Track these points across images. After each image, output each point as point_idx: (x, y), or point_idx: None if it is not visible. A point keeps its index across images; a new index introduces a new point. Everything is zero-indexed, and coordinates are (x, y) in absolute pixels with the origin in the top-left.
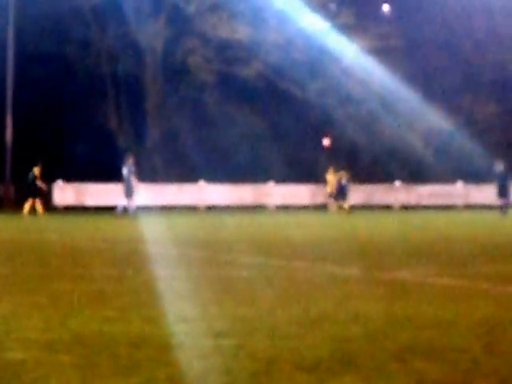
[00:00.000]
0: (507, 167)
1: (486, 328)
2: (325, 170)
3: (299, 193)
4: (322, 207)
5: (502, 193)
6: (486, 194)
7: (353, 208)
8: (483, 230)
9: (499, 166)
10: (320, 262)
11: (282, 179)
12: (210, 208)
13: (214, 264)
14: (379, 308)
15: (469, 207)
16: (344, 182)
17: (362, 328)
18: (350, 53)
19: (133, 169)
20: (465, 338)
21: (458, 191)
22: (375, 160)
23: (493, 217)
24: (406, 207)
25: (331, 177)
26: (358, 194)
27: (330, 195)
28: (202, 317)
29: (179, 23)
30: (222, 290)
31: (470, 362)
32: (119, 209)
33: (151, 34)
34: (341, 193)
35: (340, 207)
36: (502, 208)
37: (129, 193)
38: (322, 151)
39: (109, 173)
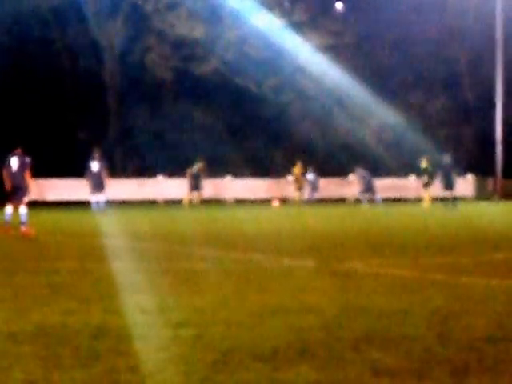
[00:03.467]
0: (453, 160)
1: (438, 317)
2: (280, 165)
3: (256, 187)
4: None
5: (448, 185)
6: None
7: (308, 202)
8: (435, 222)
9: (446, 159)
10: (276, 255)
11: (239, 173)
12: (169, 202)
13: (172, 257)
14: (334, 298)
15: (421, 200)
16: (312, 176)
17: (318, 318)
18: (304, 50)
19: (104, 164)
20: (418, 328)
21: (411, 185)
22: (329, 154)
23: (444, 209)
24: (359, 200)
25: (298, 171)
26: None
27: (299, 188)
28: (160, 308)
29: (137, 21)
30: (180, 282)
31: (423, 350)
32: (95, 204)
33: (110, 32)
34: (312, 187)
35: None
36: (450, 200)
37: (99, 188)
38: (278, 146)
39: (70, 168)
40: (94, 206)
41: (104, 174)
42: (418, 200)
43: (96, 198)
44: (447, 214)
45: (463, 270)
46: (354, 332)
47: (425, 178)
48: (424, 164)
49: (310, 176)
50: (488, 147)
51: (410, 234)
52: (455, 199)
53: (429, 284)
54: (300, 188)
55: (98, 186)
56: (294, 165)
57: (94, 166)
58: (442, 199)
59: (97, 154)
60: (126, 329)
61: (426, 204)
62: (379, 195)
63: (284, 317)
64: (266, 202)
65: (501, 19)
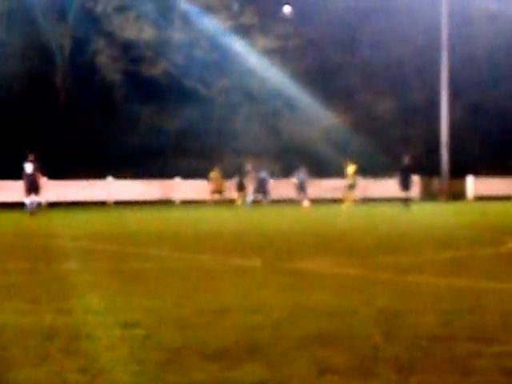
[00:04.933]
0: (413, 162)
1: (385, 316)
2: (229, 166)
3: (205, 188)
4: (227, 202)
5: (405, 186)
6: (385, 187)
7: (256, 203)
8: (383, 223)
9: (405, 160)
10: (225, 254)
11: (188, 175)
12: (119, 203)
13: (122, 257)
14: (283, 298)
15: (367, 200)
16: (264, 176)
17: (267, 317)
18: (252, 52)
19: (37, 165)
20: (365, 326)
21: (358, 185)
22: (278, 155)
23: (393, 210)
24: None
25: (216, 175)
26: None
27: (214, 192)
28: (110, 308)
29: (87, 24)
30: (130, 282)
31: (369, 348)
32: (30, 205)
33: (60, 35)
34: (261, 187)
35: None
36: (405, 201)
37: (32, 189)
38: (226, 147)
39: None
40: (28, 207)
41: (39, 176)
42: (365, 200)
43: (30, 199)
44: (404, 214)
45: (410, 270)
46: (302, 331)
47: (349, 181)
48: (351, 169)
49: (262, 176)
50: (434, 148)
51: (359, 233)
52: (409, 200)
53: (376, 283)
54: (219, 191)
55: (33, 188)
56: (212, 170)
57: (28, 167)
58: (400, 200)
59: (31, 156)
60: (77, 329)
61: (344, 206)
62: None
63: (233, 316)
64: (216, 203)
65: (446, 22)
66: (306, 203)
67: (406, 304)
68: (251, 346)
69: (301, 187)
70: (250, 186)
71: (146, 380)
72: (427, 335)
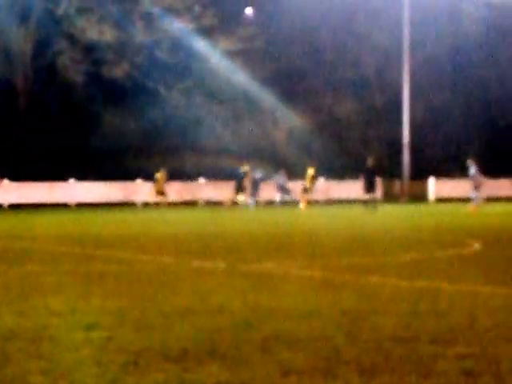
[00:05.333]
0: (378, 164)
1: (347, 317)
2: (191, 167)
3: (168, 190)
4: (190, 204)
5: (370, 188)
6: (348, 189)
7: (220, 204)
8: (346, 224)
9: (370, 162)
10: (186, 256)
11: (150, 176)
12: (80, 205)
13: (84, 259)
14: (244, 300)
15: (330, 202)
16: (259, 176)
17: (228, 319)
18: (215, 53)
19: None
20: (327, 328)
21: (320, 187)
22: (240, 157)
23: (356, 211)
24: (271, 202)
25: (161, 176)
26: (224, 190)
27: (158, 193)
28: (72, 310)
29: (48, 26)
30: (91, 284)
31: (332, 350)
32: None
33: (21, 37)
34: (254, 187)
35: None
36: (369, 203)
37: None
38: (188, 149)
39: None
40: None
41: None
42: (328, 202)
43: None
44: (367, 216)
45: (371, 271)
46: (264, 332)
47: (306, 184)
48: (310, 171)
49: (257, 176)
50: (395, 150)
51: (322, 235)
52: (369, 202)
53: (338, 284)
54: (162, 193)
55: None
56: (157, 171)
57: None
58: (364, 201)
59: None
60: (38, 331)
61: (302, 207)
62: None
63: (194, 318)
64: (175, 204)
65: (407, 24)
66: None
67: (369, 305)
68: (213, 347)
69: (280, 189)
70: (249, 188)
71: (107, 381)
72: (389, 337)
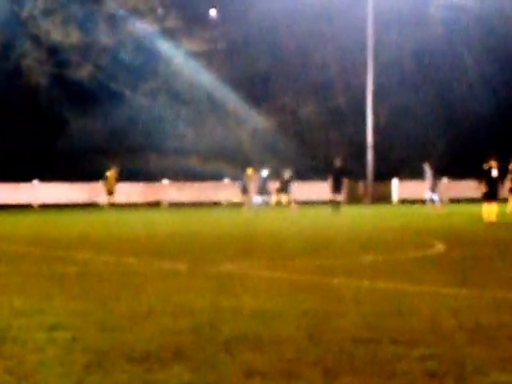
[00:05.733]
0: (345, 165)
1: (310, 319)
2: (155, 168)
3: (132, 191)
4: (154, 205)
5: (337, 189)
6: (311, 190)
7: (184, 205)
8: (309, 225)
9: (337, 163)
10: (149, 258)
11: (116, 178)
12: (45, 206)
13: (47, 260)
14: (207, 301)
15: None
16: (265, 175)
17: (191, 320)
18: (178, 55)
19: None
20: (290, 329)
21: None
22: (205, 158)
23: (321, 212)
24: (234, 204)
25: (111, 175)
26: (188, 192)
27: (109, 193)
28: (35, 311)
29: (13, 28)
30: (55, 285)
31: (294, 351)
32: None
33: None
34: (262, 186)
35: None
36: (335, 203)
37: None
38: (152, 150)
39: None
40: None
41: None
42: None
43: None
44: (333, 217)
45: (334, 272)
46: (227, 334)
47: (277, 184)
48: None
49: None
50: (359, 151)
51: (284, 236)
52: (338, 203)
53: (301, 286)
54: (111, 192)
55: None
56: (108, 169)
57: None
58: (329, 202)
59: None
60: (1, 331)
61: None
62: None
63: (157, 319)
64: (141, 205)
65: (371, 26)
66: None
67: (331, 306)
68: (176, 348)
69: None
70: (254, 188)
71: (70, 382)
72: (352, 338)
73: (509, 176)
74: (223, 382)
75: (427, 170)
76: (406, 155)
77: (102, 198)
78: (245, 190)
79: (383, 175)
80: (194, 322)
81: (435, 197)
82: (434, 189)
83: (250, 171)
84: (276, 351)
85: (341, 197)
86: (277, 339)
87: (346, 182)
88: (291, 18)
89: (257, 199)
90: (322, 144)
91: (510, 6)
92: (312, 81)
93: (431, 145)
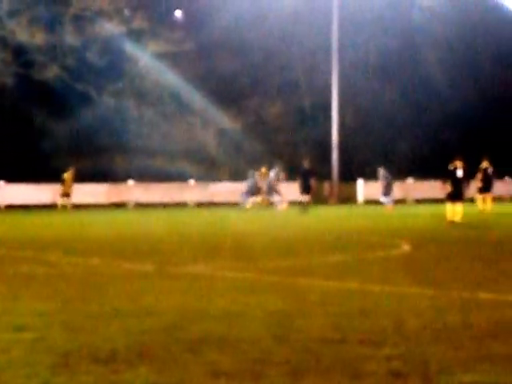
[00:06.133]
0: (312, 166)
1: (276, 319)
2: (120, 169)
3: (97, 192)
4: (119, 205)
5: (305, 190)
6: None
7: (149, 206)
8: (276, 226)
9: (305, 164)
10: (115, 259)
11: (82, 178)
12: (10, 207)
13: (13, 261)
14: (173, 301)
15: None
16: (278, 177)
17: (157, 321)
18: (144, 56)
19: None
20: (256, 329)
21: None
22: (170, 159)
23: (288, 213)
24: (200, 205)
25: (68, 176)
26: (154, 192)
27: (63, 195)
28: (1, 312)
29: None
30: (20, 286)
31: (260, 352)
32: None
33: None
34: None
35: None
36: (303, 204)
37: None
38: (118, 151)
39: None
40: None
41: None
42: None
43: None
44: (298, 218)
45: (300, 273)
46: (193, 334)
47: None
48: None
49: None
50: (324, 152)
51: (250, 237)
52: (306, 204)
53: (267, 286)
54: (67, 194)
55: None
56: (66, 170)
57: None
58: (300, 203)
59: None
60: None
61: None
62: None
63: (123, 320)
64: (107, 206)
65: (336, 27)
66: (282, 206)
67: (297, 307)
68: (142, 349)
69: (251, 191)
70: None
71: (36, 383)
72: (318, 338)
73: (478, 176)
74: (189, 382)
75: (381, 173)
76: (372, 156)
77: (59, 200)
78: (257, 190)
79: (348, 176)
80: (160, 323)
81: (384, 199)
82: (386, 192)
83: (263, 170)
84: (242, 351)
85: (309, 198)
86: (243, 339)
87: (314, 182)
88: (257, 20)
89: (274, 197)
90: (288, 145)
91: (473, 6)
92: (277, 81)
93: (396, 145)
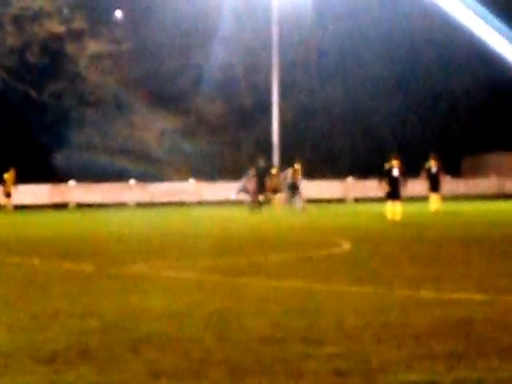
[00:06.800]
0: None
1: (217, 318)
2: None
3: (39, 192)
4: (61, 206)
5: (261, 189)
6: (220, 190)
7: (91, 206)
8: (217, 226)
9: (261, 163)
10: (56, 259)
11: (22, 179)
12: None
13: None
14: (114, 301)
15: (201, 204)
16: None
17: (98, 321)
18: (84, 56)
19: None
20: (197, 329)
21: (191, 189)
22: (112, 159)
23: (228, 212)
24: (140, 204)
25: (10, 176)
26: (95, 193)
27: (6, 195)
28: None
29: None
30: None
31: (202, 351)
32: None
33: None
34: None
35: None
36: (257, 203)
37: None
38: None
39: None
40: None
41: None
42: (199, 203)
43: None
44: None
45: (242, 272)
46: (134, 334)
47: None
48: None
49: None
50: (266, 150)
51: (190, 236)
52: (259, 202)
53: (208, 285)
54: (9, 194)
55: None
56: (6, 171)
57: None
58: (258, 202)
59: None
60: None
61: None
62: None
63: (64, 320)
64: (48, 207)
65: (276, 26)
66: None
67: (238, 306)
68: (83, 349)
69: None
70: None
71: None
72: (259, 337)
73: (423, 174)
74: (130, 382)
75: (287, 171)
76: (313, 154)
77: (3, 200)
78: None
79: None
80: (101, 323)
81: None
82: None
83: (274, 171)
84: (183, 351)
85: (262, 197)
86: (183, 339)
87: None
88: (197, 19)
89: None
90: (230, 144)
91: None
92: (217, 81)
93: (336, 144)
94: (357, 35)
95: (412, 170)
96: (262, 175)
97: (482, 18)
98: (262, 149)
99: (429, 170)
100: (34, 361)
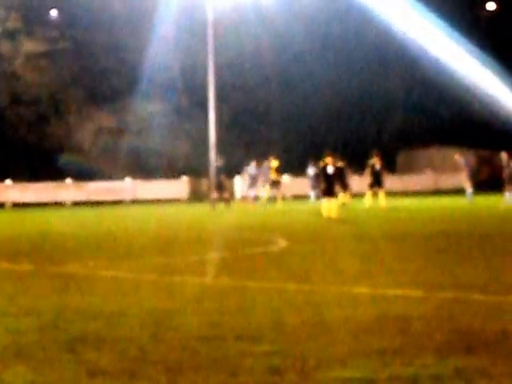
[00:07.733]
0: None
1: (153, 318)
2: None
3: None
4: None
5: (220, 187)
6: (156, 189)
7: (27, 206)
8: (154, 224)
9: (218, 162)
10: None
11: None
12: None
13: None
14: (51, 301)
15: (137, 202)
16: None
17: (34, 321)
18: (19, 56)
19: None
20: (133, 328)
21: (127, 187)
22: (48, 158)
23: (165, 210)
24: (77, 203)
25: None
26: (31, 192)
27: None
28: None
29: None
30: None
31: (137, 350)
32: None
33: None
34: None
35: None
36: (222, 201)
37: None
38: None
39: None
40: None
41: None
42: (135, 202)
43: None
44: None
45: (177, 270)
46: (70, 333)
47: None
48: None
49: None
50: (202, 150)
51: (127, 235)
52: (227, 200)
53: (143, 285)
54: None
55: None
56: None
57: None
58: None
59: None
60: None
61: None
62: None
63: (0, 319)
64: None
65: (212, 26)
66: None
67: (174, 305)
68: (18, 348)
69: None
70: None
71: None
72: (195, 335)
73: (367, 171)
74: (66, 381)
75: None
76: (248, 153)
77: None
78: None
79: (226, 173)
80: (37, 322)
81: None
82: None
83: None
84: (119, 350)
85: (227, 194)
86: (120, 338)
87: (184, 180)
88: (133, 18)
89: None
90: (167, 143)
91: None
92: (154, 80)
93: (272, 142)
94: (294, 35)
95: (352, 166)
96: (220, 174)
97: (418, 20)
98: (198, 148)
99: (373, 166)
100: None
